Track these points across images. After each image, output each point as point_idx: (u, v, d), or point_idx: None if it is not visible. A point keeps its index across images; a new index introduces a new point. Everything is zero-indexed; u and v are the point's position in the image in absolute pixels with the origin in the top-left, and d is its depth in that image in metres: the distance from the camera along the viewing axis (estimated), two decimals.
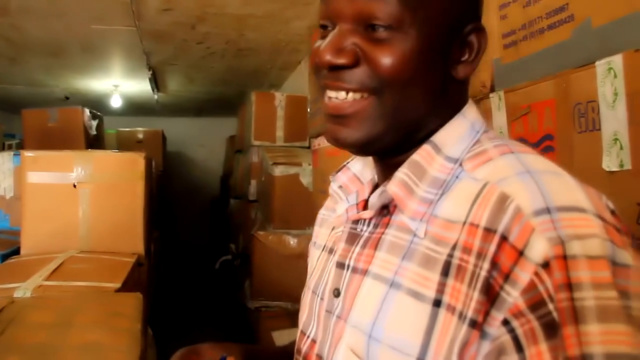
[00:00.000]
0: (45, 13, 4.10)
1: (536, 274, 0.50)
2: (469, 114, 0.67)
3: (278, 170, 3.74)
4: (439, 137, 0.65)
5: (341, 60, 0.62)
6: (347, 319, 0.66)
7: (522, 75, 1.12)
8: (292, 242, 3.71)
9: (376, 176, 0.74)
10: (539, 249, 0.51)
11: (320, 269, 0.78)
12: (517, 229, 0.52)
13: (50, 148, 4.21)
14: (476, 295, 0.54)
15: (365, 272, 0.66)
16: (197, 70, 5.96)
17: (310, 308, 0.77)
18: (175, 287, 6.10)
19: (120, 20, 4.25)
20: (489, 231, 0.55)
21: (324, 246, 0.81)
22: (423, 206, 0.63)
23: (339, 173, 0.78)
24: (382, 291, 0.62)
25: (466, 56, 0.66)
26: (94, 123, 5.25)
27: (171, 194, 7.37)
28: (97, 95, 6.98)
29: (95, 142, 5.34)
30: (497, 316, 0.52)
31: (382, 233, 0.66)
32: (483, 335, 0.53)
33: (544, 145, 1.04)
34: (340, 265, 0.71)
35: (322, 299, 0.74)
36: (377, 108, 0.63)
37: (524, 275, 0.51)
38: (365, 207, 0.72)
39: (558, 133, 1.01)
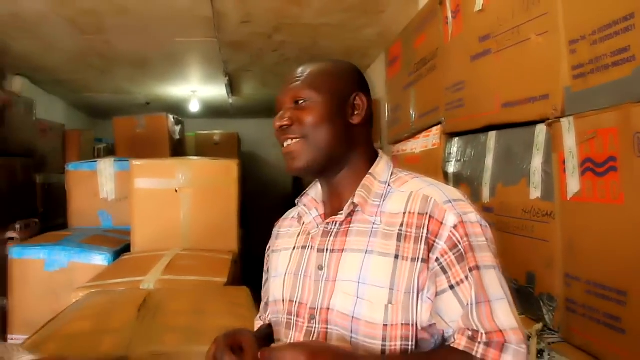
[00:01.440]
0: (135, 30, 4.45)
1: (451, 232, 0.99)
2: (383, 157, 1.15)
3: None
4: (373, 171, 1.11)
5: (284, 123, 1.10)
6: (336, 279, 1.05)
7: (589, 103, 1.28)
8: None
9: (323, 196, 1.18)
10: (451, 219, 0.99)
11: (297, 259, 1.15)
12: (437, 210, 1.01)
13: (138, 152, 4.61)
14: (421, 246, 0.99)
15: (342, 251, 1.06)
16: (271, 75, 6.23)
17: (293, 283, 1.13)
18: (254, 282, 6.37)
19: (201, 33, 4.56)
20: (421, 214, 1.02)
21: (294, 247, 1.18)
22: (374, 208, 1.07)
23: (302, 197, 1.20)
24: (360, 257, 1.04)
25: (357, 111, 1.13)
26: (178, 128, 5.63)
27: (245, 194, 7.69)
28: (176, 100, 7.39)
29: (178, 146, 5.72)
30: (433, 257, 0.99)
31: (348, 228, 1.08)
32: (428, 268, 0.99)
33: (608, 165, 1.21)
34: (321, 250, 1.10)
35: (306, 275, 1.11)
36: (307, 146, 1.09)
37: (445, 233, 0.99)
38: (324, 216, 1.15)
39: (621, 156, 1.18)
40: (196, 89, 6.86)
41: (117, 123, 5.50)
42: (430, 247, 0.99)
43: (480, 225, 1.01)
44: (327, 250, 1.08)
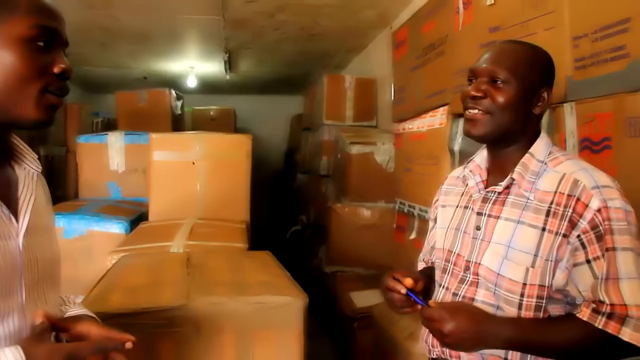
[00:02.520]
0: (142, 5, 4.55)
1: (594, 214, 1.10)
2: (544, 138, 1.26)
3: (355, 149, 4.15)
4: (532, 150, 1.23)
5: (479, 94, 1.22)
6: (490, 240, 1.23)
7: (589, 91, 1.51)
8: (366, 214, 4.14)
9: (488, 165, 1.32)
10: (595, 203, 1.10)
11: (459, 217, 1.34)
12: (584, 194, 1.12)
13: (140, 126, 4.74)
14: (565, 223, 1.13)
15: (497, 217, 1.23)
16: (269, 53, 6.36)
17: (454, 236, 1.33)
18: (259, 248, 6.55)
19: (207, 10, 4.67)
20: (570, 195, 1.13)
21: (457, 205, 1.37)
22: (529, 185, 1.20)
23: (469, 163, 1.36)
24: (513, 225, 1.20)
25: (540, 103, 1.24)
26: (179, 103, 5.76)
27: None
28: (173, 75, 7.48)
29: (178, 120, 5.86)
30: (575, 233, 1.12)
31: (505, 198, 1.23)
32: (568, 242, 1.13)
33: (604, 144, 1.44)
34: (479, 214, 1.27)
35: (465, 232, 1.30)
36: (489, 121, 1.22)
37: (588, 215, 1.11)
38: (486, 182, 1.30)
39: (615, 137, 1.41)
40: (194, 65, 6.97)
41: (119, 97, 5.62)
42: (573, 225, 1.12)
43: (625, 210, 1.11)
44: (485, 214, 1.25)
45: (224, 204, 3.10)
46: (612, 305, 1.08)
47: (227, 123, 7.30)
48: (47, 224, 1.08)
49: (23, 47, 0.92)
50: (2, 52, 0.90)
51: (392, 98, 3.31)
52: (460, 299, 1.26)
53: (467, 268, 1.26)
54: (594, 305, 1.10)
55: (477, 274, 1.24)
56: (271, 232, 7.37)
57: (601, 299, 1.09)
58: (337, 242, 4.24)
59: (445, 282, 1.32)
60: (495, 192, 1.25)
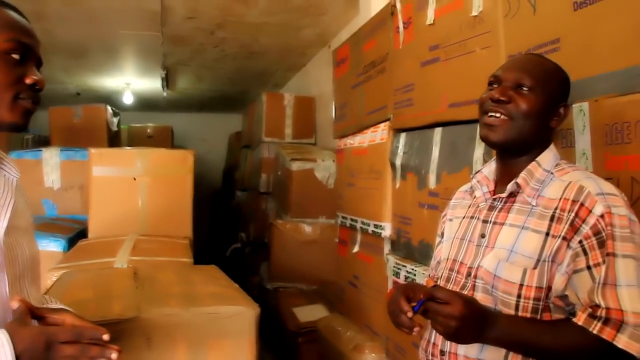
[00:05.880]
0: (77, 19, 4.47)
1: (597, 220, 1.10)
2: (552, 149, 1.27)
3: (295, 165, 4.20)
4: (539, 159, 1.24)
5: (503, 98, 1.22)
6: (493, 246, 1.23)
7: None
8: (307, 230, 4.18)
9: (496, 175, 1.33)
10: (599, 209, 1.10)
11: (465, 226, 1.35)
12: (589, 200, 1.12)
13: (74, 143, 4.62)
14: (566, 226, 1.13)
15: (502, 224, 1.24)
16: (208, 71, 6.36)
17: (459, 246, 1.34)
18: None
19: (146, 26, 4.63)
20: (574, 201, 1.13)
21: (464, 216, 1.38)
22: (534, 191, 1.21)
23: (476, 174, 1.38)
24: (517, 231, 1.20)
25: (557, 118, 1.25)
26: (115, 120, 5.65)
27: None
28: (108, 91, 7.34)
29: (115, 137, 5.73)
30: (577, 238, 1.12)
31: (511, 206, 1.25)
32: (568, 246, 1.13)
33: None
34: (485, 222, 1.28)
35: (470, 241, 1.30)
36: (509, 127, 1.22)
37: (591, 220, 1.10)
38: (493, 193, 1.31)
39: None
40: (130, 81, 6.87)
41: (52, 113, 5.45)
42: (575, 230, 1.12)
43: (629, 219, 1.10)
44: (490, 221, 1.26)
45: (166, 220, 3.07)
46: (607, 309, 1.06)
47: (164, 141, 7.21)
48: (27, 226, 1.17)
49: None
50: None
51: (334, 115, 3.38)
52: None
53: (468, 274, 1.27)
54: (590, 310, 1.09)
55: (476, 277, 1.25)
56: (211, 250, 7.29)
57: (597, 302, 1.07)
58: (279, 258, 4.25)
59: None
60: (501, 199, 1.27)
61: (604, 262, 1.08)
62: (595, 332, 1.06)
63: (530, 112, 1.20)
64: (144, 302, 1.61)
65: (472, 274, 1.26)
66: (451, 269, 1.34)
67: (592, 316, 1.07)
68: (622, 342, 1.04)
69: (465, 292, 1.26)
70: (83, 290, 1.78)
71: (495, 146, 1.29)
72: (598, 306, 1.07)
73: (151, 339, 1.50)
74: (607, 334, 1.05)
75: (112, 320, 1.48)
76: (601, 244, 1.08)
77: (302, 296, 4.05)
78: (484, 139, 1.28)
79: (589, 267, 1.10)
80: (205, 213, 8.76)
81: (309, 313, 3.67)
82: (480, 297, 1.23)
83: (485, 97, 1.26)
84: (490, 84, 1.28)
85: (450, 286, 1.31)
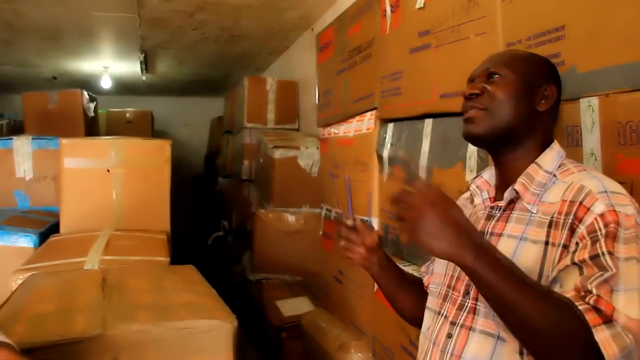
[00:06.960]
0: (50, 0, 4.28)
1: (595, 218, 0.96)
2: (555, 147, 1.16)
3: (278, 153, 4.05)
4: (539, 159, 1.13)
5: (474, 91, 1.16)
6: None
7: None
8: (290, 219, 4.05)
9: (496, 180, 1.23)
10: (598, 207, 0.97)
11: None
12: (588, 198, 0.99)
13: (50, 130, 4.44)
14: (565, 232, 1.00)
15: (499, 235, 1.13)
16: (188, 54, 6.17)
17: None
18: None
19: (122, 8, 4.44)
20: (573, 202, 1.01)
21: None
22: (534, 197, 1.10)
23: (475, 179, 1.28)
24: (515, 242, 1.09)
25: (545, 100, 1.15)
26: (92, 105, 5.46)
27: None
28: (85, 75, 7.12)
29: (92, 123, 5.55)
30: (573, 241, 0.98)
31: (510, 214, 1.14)
32: (568, 252, 0.99)
33: None
34: (482, 233, 1.15)
35: None
36: (488, 117, 1.14)
37: (589, 219, 0.97)
38: (493, 199, 1.21)
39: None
40: (108, 65, 6.66)
41: (26, 98, 5.24)
42: (572, 232, 0.99)
43: (636, 220, 0.97)
44: (487, 233, 1.15)
45: (142, 213, 2.93)
46: (599, 297, 0.90)
47: (144, 126, 7.02)
48: None
49: None
50: None
51: (317, 102, 3.24)
52: (458, 329, 1.14)
53: (466, 292, 1.16)
54: (582, 293, 0.92)
55: (477, 299, 1.12)
56: (192, 237, 7.16)
57: (589, 288, 0.91)
58: (261, 248, 4.13)
59: (444, 310, 1.20)
60: (499, 207, 1.17)
61: (593, 257, 0.93)
62: (580, 310, 0.90)
63: (505, 97, 1.14)
64: (111, 316, 1.48)
65: (471, 293, 1.14)
66: (448, 286, 1.23)
67: (582, 298, 0.91)
68: (602, 336, 0.88)
69: (463, 313, 1.14)
70: (45, 300, 1.64)
71: (479, 141, 1.22)
72: (590, 292, 0.91)
73: (118, 359, 1.36)
74: (591, 317, 0.89)
75: (75, 339, 1.34)
76: (594, 243, 0.94)
77: (286, 288, 3.94)
78: (465, 136, 1.20)
79: (574, 263, 0.95)
80: (188, 199, 8.62)
81: (293, 307, 3.56)
82: (481, 322, 1.10)
83: (465, 92, 1.20)
84: (469, 81, 1.23)
85: (447, 305, 1.20)
